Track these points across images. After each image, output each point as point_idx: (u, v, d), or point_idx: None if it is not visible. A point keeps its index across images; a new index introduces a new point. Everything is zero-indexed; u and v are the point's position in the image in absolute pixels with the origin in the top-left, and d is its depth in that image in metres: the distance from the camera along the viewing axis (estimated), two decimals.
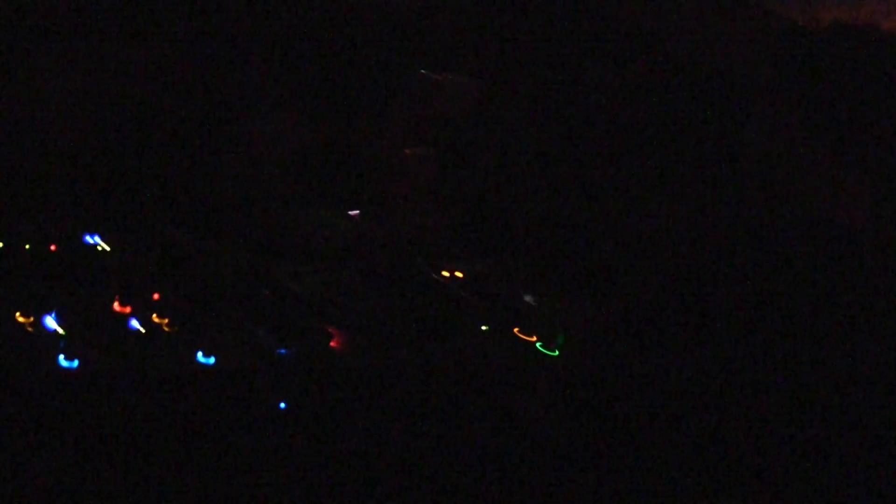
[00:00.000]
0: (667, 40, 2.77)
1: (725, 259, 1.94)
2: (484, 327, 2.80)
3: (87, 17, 2.76)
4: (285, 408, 2.28)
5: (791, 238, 1.91)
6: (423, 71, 3.25)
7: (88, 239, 2.53)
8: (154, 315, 2.27)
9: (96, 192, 2.72)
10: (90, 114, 2.80)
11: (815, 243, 1.90)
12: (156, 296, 2.35)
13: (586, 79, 2.99)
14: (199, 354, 2.19)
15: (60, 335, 2.11)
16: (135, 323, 2.23)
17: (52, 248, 2.44)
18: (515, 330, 2.81)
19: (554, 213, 3.16)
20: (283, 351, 2.32)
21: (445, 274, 2.98)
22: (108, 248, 2.50)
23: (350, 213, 3.13)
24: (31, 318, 2.13)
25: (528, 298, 2.91)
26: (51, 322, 2.14)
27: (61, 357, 2.04)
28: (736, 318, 1.92)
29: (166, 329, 2.24)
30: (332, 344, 2.44)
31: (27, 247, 2.41)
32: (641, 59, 2.77)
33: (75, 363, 2.04)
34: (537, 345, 2.78)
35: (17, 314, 2.14)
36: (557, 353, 2.70)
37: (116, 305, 2.29)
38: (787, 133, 1.96)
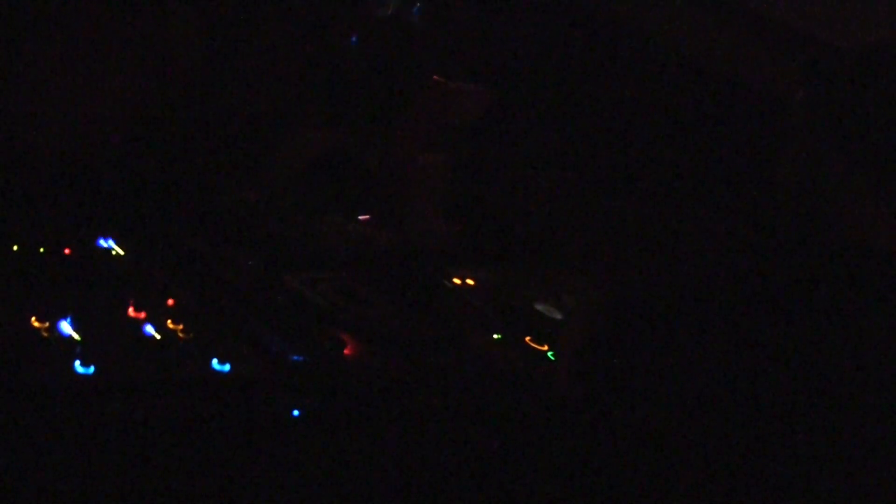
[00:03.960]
0: (692, 56, 2.77)
1: (752, 279, 1.93)
2: (496, 336, 2.79)
3: (110, 16, 2.75)
4: (299, 415, 2.28)
5: (825, 261, 1.90)
6: (436, 77, 3.25)
7: (103, 243, 2.53)
8: (169, 321, 2.26)
9: (111, 195, 2.71)
10: (105, 117, 2.80)
11: (849, 267, 1.90)
12: (170, 301, 2.35)
13: (603, 89, 2.99)
14: (214, 361, 2.19)
15: (76, 341, 2.10)
16: (149, 329, 2.22)
17: (67, 251, 2.44)
18: (527, 339, 2.81)
19: (567, 221, 3.16)
20: (297, 358, 2.32)
21: (457, 281, 2.97)
22: (122, 253, 2.50)
23: (360, 218, 3.13)
24: (47, 324, 2.12)
25: (539, 307, 2.91)
26: (66, 327, 2.13)
27: (77, 363, 2.03)
28: (762, 341, 1.91)
29: (181, 336, 2.23)
30: (345, 351, 2.44)
31: (41, 250, 2.40)
32: (664, 72, 2.78)
33: (91, 369, 2.03)
34: (549, 354, 2.78)
35: (33, 319, 2.13)
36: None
37: (131, 311, 2.28)
38: (822, 156, 1.95)
